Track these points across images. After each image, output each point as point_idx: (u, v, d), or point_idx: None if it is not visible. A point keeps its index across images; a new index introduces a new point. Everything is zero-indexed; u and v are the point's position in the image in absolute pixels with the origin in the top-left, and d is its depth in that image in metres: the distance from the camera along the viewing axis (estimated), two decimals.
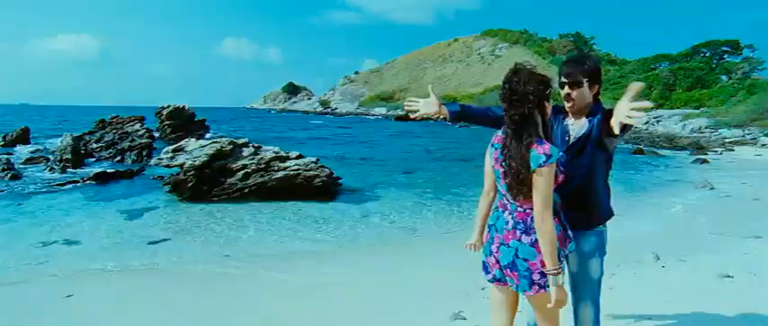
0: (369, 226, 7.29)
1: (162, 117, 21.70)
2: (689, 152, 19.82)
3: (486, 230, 2.13)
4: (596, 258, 2.18)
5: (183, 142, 11.19)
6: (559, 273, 1.88)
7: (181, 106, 21.70)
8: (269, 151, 10.27)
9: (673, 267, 4.79)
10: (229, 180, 9.35)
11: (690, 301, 3.69)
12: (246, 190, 9.15)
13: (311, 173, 9.60)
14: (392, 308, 3.90)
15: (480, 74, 74.42)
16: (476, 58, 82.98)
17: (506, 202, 2.00)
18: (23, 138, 15.80)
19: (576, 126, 2.13)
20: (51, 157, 12.71)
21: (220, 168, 9.51)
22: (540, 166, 1.80)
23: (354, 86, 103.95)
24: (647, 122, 32.09)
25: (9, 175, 10.69)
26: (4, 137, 15.57)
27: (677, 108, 35.20)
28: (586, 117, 2.10)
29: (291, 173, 9.48)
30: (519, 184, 1.85)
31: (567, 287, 2.07)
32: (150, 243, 6.15)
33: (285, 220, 7.54)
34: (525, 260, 1.90)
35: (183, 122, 21.33)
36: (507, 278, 1.99)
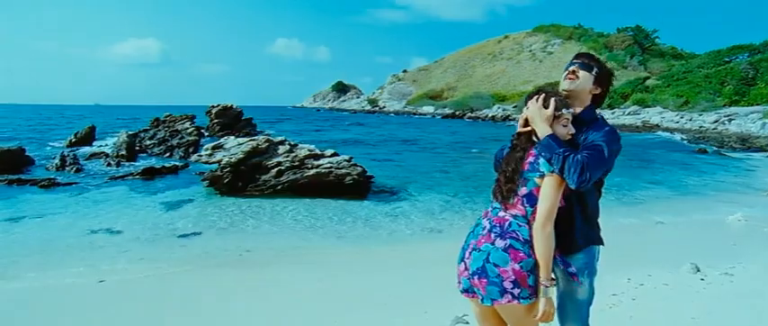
0: (392, 225, 7.24)
1: (211, 116, 22.76)
2: (765, 154, 17.95)
3: (465, 239, 2.02)
4: (584, 278, 2.00)
5: (222, 140, 11.66)
6: (553, 284, 1.82)
7: (228, 105, 22.66)
8: (303, 149, 10.48)
9: (714, 282, 4.35)
10: (263, 177, 9.62)
11: (726, 322, 3.34)
12: (279, 187, 9.38)
13: (343, 171, 9.68)
14: (398, 309, 3.83)
15: (531, 71, 71.89)
16: (526, 56, 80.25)
17: (490, 209, 1.97)
18: (90, 135, 17.16)
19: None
20: (110, 152, 13.72)
21: (256, 165, 9.82)
22: (553, 172, 1.79)
23: (402, 84, 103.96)
24: (716, 121, 29.41)
25: (74, 169, 11.65)
26: (75, 134, 16.98)
27: (757, 104, 31.32)
28: (580, 120, 1.97)
29: (323, 171, 9.61)
30: (507, 183, 1.89)
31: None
32: (180, 235, 6.45)
33: (312, 216, 7.65)
34: (496, 266, 1.80)
35: (231, 121, 22.26)
36: (475, 289, 1.88)
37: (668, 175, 12.83)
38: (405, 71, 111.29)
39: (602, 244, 2.11)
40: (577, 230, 1.96)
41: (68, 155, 12.31)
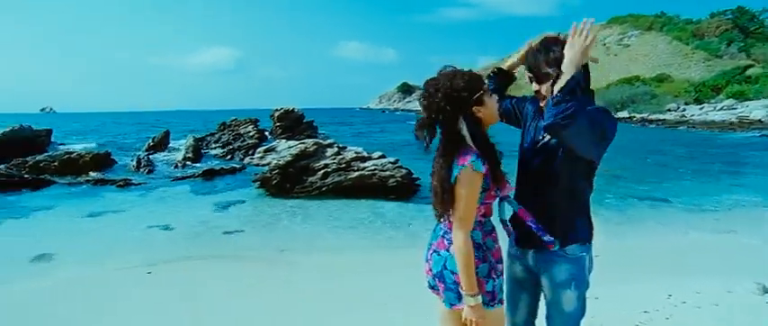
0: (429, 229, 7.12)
1: (274, 119, 23.83)
2: None
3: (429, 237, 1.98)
4: (571, 291, 1.81)
5: (275, 143, 12.18)
6: (475, 295, 1.68)
7: (290, 109, 23.54)
8: (351, 152, 10.67)
9: None
10: (310, 178, 9.92)
11: None
12: (324, 188, 9.62)
13: (387, 173, 9.72)
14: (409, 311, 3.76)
15: (604, 66, 67.32)
16: (601, 50, 75.24)
17: None
18: (165, 139, 18.75)
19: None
20: (178, 155, 14.91)
21: (303, 167, 10.16)
22: (457, 175, 1.64)
23: None
24: None
25: (147, 170, 12.82)
26: (152, 138, 18.67)
27: None
28: None
29: (367, 173, 9.72)
30: (441, 203, 1.71)
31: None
32: (225, 232, 6.84)
33: (351, 217, 7.77)
34: (452, 273, 1.76)
35: (292, 124, 23.12)
36: (437, 288, 1.84)
37: (759, 179, 11.36)
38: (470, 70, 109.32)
39: (590, 244, 1.85)
40: (561, 222, 1.77)
41: (143, 157, 13.57)
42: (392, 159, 10.46)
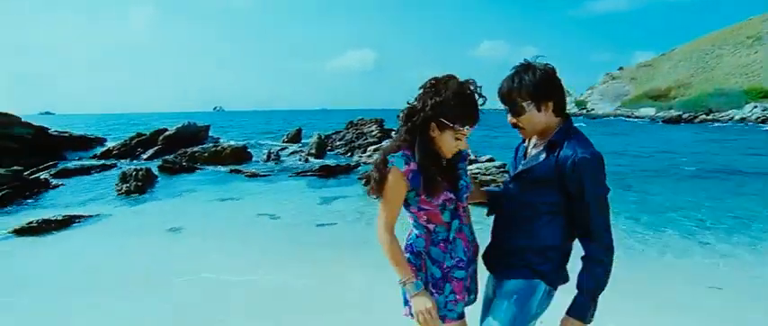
0: None
1: (400, 119, 24.47)
2: None
3: None
4: (508, 303, 1.68)
5: (384, 142, 12.51)
6: (411, 280, 1.64)
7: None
8: None
9: None
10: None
11: None
12: None
13: (488, 177, 9.27)
14: None
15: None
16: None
17: None
18: (298, 135, 20.77)
19: (533, 152, 1.74)
20: (304, 150, 16.34)
21: None
22: (385, 166, 1.65)
23: (618, 83, 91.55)
24: None
25: (274, 162, 14.32)
26: (287, 134, 20.83)
27: None
28: (548, 145, 1.65)
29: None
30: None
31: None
32: (318, 225, 7.28)
33: None
34: None
35: None
36: None
37: None
38: (621, 68, 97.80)
39: (553, 285, 1.69)
40: (520, 248, 1.72)
41: (273, 152, 15.20)
42: (498, 163, 9.95)
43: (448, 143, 1.64)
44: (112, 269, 5.10)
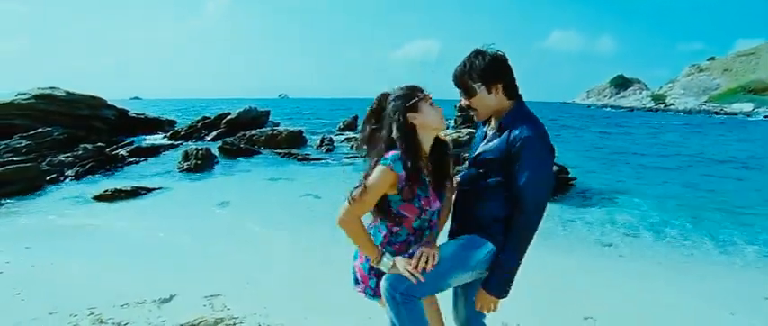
0: (563, 233, 6.33)
1: (457, 109, 24.17)
2: None
3: None
4: (456, 245, 1.76)
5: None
6: (381, 254, 1.71)
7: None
8: None
9: None
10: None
11: None
12: None
13: None
14: None
15: None
16: None
17: None
18: (353, 123, 21.16)
19: (490, 135, 1.83)
20: (356, 137, 16.63)
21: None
22: (376, 163, 1.69)
23: (705, 75, 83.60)
24: None
25: (326, 149, 14.77)
26: (343, 122, 21.31)
27: None
28: (498, 128, 1.77)
29: None
30: None
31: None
32: None
33: None
34: (354, 259, 1.90)
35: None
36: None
37: None
38: (712, 59, 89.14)
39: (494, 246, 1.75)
40: (474, 219, 1.80)
41: (326, 137, 15.66)
42: None
43: (430, 116, 1.71)
44: (163, 234, 5.62)
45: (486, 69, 1.71)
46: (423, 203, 1.70)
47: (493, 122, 1.83)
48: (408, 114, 1.68)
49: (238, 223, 6.27)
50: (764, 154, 17.14)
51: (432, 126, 1.73)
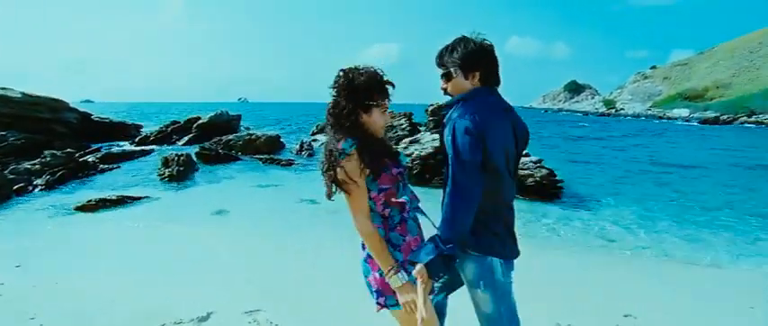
0: (555, 232, 6.55)
1: (428, 113, 24.41)
2: None
3: None
4: (481, 291, 1.80)
5: (419, 135, 12.54)
6: (396, 272, 1.67)
7: (444, 104, 23.84)
8: None
9: None
10: None
11: None
12: None
13: (525, 172, 9.18)
14: None
15: None
16: None
17: None
18: (326, 126, 20.92)
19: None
20: None
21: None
22: (337, 159, 1.68)
23: (649, 83, 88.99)
24: None
25: (307, 153, 14.53)
26: (316, 126, 21.03)
27: None
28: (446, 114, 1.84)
29: None
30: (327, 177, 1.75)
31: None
32: None
33: None
34: (366, 277, 1.83)
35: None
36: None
37: None
38: (653, 68, 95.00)
39: (503, 257, 1.80)
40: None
41: (306, 142, 15.42)
42: (535, 159, 9.84)
43: (378, 121, 1.75)
44: (162, 249, 5.31)
45: (467, 56, 1.76)
46: (393, 170, 1.74)
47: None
48: (359, 111, 1.71)
49: (245, 232, 6.05)
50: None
51: (372, 130, 1.76)
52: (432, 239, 1.68)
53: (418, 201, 1.90)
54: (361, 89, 1.70)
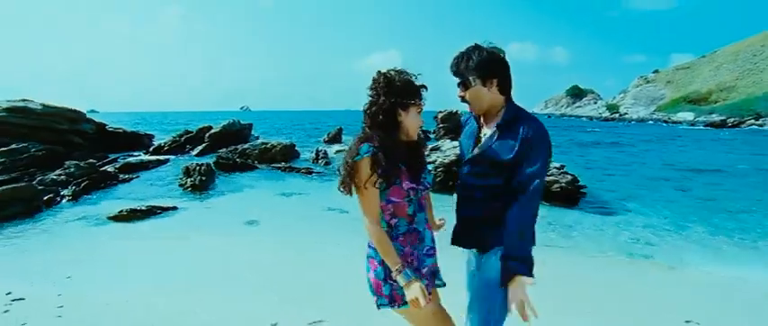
0: (579, 238, 6.54)
1: (438, 121, 24.47)
2: None
3: None
4: (502, 292, 1.79)
5: (439, 142, 12.55)
6: (401, 270, 1.72)
7: (454, 111, 23.91)
8: None
9: None
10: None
11: None
12: None
13: (551, 178, 9.19)
14: None
15: None
16: None
17: None
18: (338, 135, 21.02)
19: (488, 133, 1.88)
20: None
21: None
22: (353, 160, 1.73)
23: (652, 87, 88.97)
24: None
25: (324, 162, 14.56)
26: (328, 134, 21.12)
27: None
28: (501, 126, 1.82)
29: None
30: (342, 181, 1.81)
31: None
32: None
33: None
34: (366, 273, 1.88)
35: (454, 126, 23.43)
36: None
37: None
38: (656, 71, 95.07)
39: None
40: (492, 228, 1.81)
41: (321, 150, 15.44)
42: (558, 165, 9.86)
43: (413, 121, 1.80)
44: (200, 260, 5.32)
45: (483, 64, 1.78)
46: (404, 185, 1.76)
47: (485, 121, 1.90)
48: (397, 109, 1.77)
49: (282, 243, 6.04)
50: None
51: (406, 129, 1.81)
52: (506, 257, 1.73)
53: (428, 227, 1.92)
54: (399, 87, 1.76)
